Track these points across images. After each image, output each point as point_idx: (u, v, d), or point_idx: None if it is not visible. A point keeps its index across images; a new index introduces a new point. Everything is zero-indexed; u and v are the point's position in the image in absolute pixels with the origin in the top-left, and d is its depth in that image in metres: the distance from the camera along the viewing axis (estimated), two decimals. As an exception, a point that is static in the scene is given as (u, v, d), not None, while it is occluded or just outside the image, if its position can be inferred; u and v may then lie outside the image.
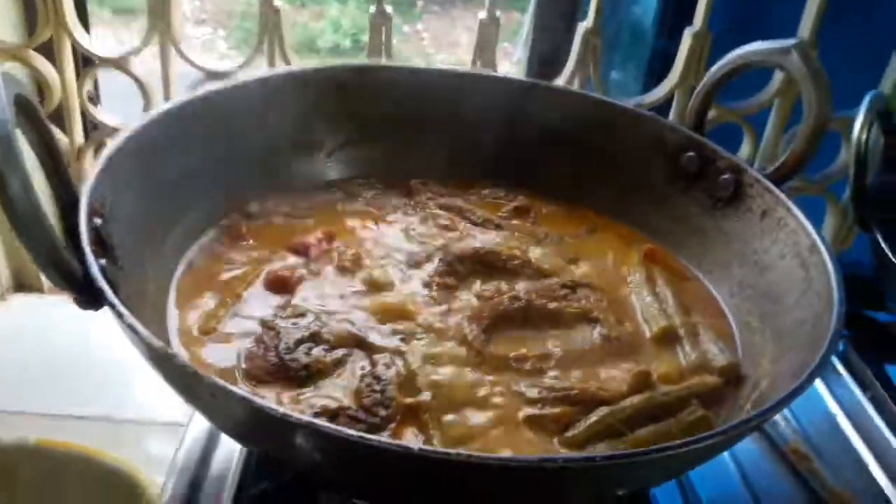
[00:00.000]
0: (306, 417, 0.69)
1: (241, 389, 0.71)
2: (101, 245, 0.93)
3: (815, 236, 1.08)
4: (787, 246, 1.14)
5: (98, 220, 0.94)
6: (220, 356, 0.98)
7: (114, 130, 1.82)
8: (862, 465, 1.27)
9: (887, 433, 1.33)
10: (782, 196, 1.18)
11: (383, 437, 0.67)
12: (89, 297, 0.83)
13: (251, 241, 1.23)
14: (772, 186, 1.20)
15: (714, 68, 1.33)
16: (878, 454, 1.29)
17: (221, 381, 0.71)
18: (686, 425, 0.95)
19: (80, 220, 0.90)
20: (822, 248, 1.05)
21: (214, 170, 1.26)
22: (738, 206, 1.25)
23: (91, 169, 0.99)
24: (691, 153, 1.33)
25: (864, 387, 1.41)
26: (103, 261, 0.88)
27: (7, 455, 1.34)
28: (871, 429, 1.35)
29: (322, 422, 0.68)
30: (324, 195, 1.38)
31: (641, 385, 0.98)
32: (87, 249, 0.85)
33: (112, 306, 0.78)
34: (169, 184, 1.16)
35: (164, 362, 0.74)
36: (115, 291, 0.86)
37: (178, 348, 0.98)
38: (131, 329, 0.76)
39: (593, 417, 0.93)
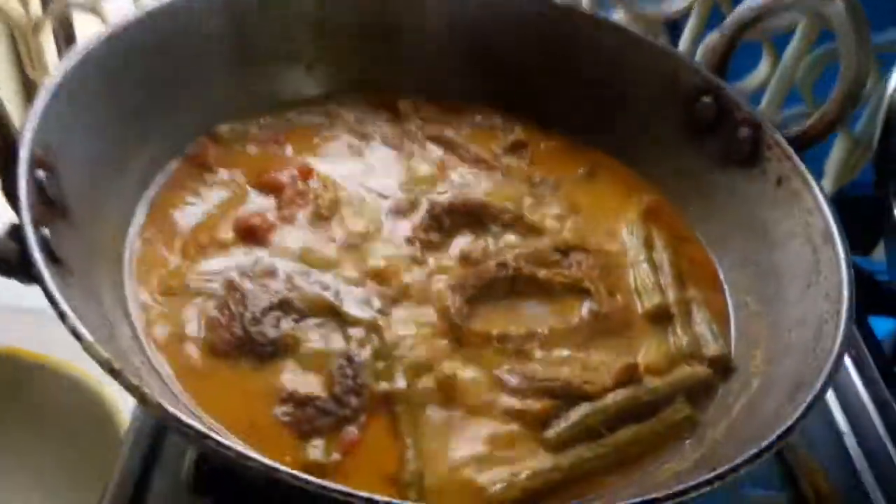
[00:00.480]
0: (281, 469, 0.62)
1: (193, 421, 0.64)
2: (48, 203, 0.83)
3: (831, 223, 0.99)
4: (799, 224, 1.05)
5: (42, 174, 0.83)
6: (181, 325, 0.91)
7: None
8: (838, 432, 1.26)
9: (865, 396, 1.31)
10: (802, 166, 1.07)
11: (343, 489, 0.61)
12: (26, 276, 0.74)
13: (219, 173, 1.13)
14: (792, 153, 1.09)
15: (744, 6, 1.18)
16: (854, 421, 1.28)
17: (172, 411, 0.64)
18: (670, 424, 0.91)
19: (18, 178, 0.79)
20: (838, 240, 0.97)
21: (180, 91, 1.12)
22: (752, 168, 1.15)
23: (34, 104, 0.86)
24: (708, 99, 1.20)
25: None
26: (46, 230, 0.78)
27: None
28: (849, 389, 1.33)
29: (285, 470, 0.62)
30: (303, 117, 1.25)
31: (627, 378, 0.93)
32: (27, 223, 0.75)
33: (54, 303, 0.70)
34: (128, 111, 1.04)
35: (113, 375, 0.67)
36: (60, 261, 0.78)
37: (134, 314, 0.90)
38: (75, 334, 0.68)
39: (574, 416, 0.88)
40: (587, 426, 0.88)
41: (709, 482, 0.70)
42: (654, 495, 0.67)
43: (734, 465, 0.72)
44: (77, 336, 0.67)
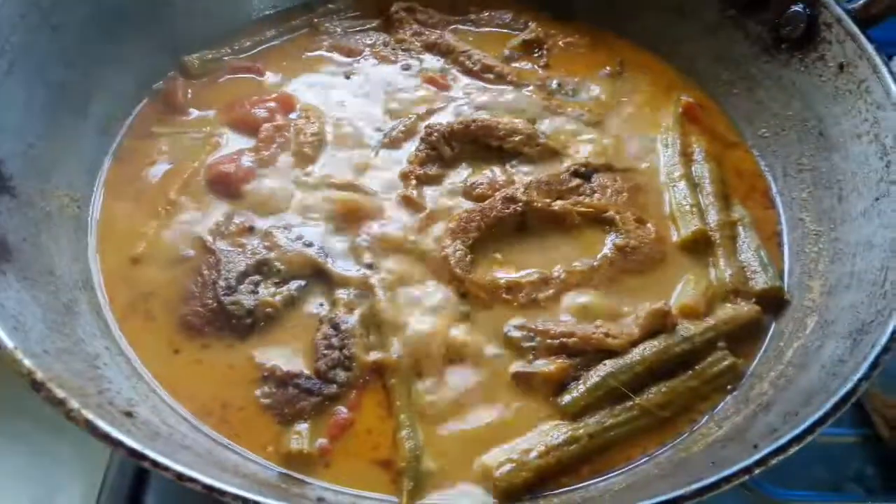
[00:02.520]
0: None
1: (127, 439, 0.55)
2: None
3: (910, 121, 0.81)
4: (865, 121, 0.87)
5: (-37, 144, 0.72)
6: (151, 297, 0.82)
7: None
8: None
9: None
10: (870, 48, 0.88)
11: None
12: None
13: (192, 112, 1.00)
14: (858, 32, 0.89)
15: None
16: None
17: (102, 426, 0.55)
18: (709, 378, 0.79)
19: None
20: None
21: (135, 15, 0.97)
22: (807, 52, 0.95)
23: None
24: (755, -30, 1.01)
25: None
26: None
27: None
28: None
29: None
30: (281, 35, 1.10)
31: (658, 326, 0.80)
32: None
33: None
34: (73, 47, 0.90)
35: (35, 388, 0.58)
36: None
37: (100, 293, 0.81)
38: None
39: (594, 378, 0.77)
40: (610, 388, 0.76)
41: (746, 470, 0.58)
42: (681, 491, 0.56)
43: (780, 444, 0.60)
44: (-7, 343, 0.58)
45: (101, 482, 0.94)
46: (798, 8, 0.96)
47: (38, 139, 0.84)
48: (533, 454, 0.71)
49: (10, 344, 0.59)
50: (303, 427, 0.73)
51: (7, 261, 0.71)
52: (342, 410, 0.75)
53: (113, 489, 0.92)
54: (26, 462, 1.24)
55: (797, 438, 0.59)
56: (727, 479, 0.56)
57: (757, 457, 0.58)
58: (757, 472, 0.57)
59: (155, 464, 0.54)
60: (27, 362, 0.58)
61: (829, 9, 0.92)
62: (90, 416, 0.56)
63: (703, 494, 0.55)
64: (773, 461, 0.58)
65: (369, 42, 1.10)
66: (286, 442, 0.72)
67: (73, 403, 0.56)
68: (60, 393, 0.57)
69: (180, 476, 0.53)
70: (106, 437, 0.55)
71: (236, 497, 0.53)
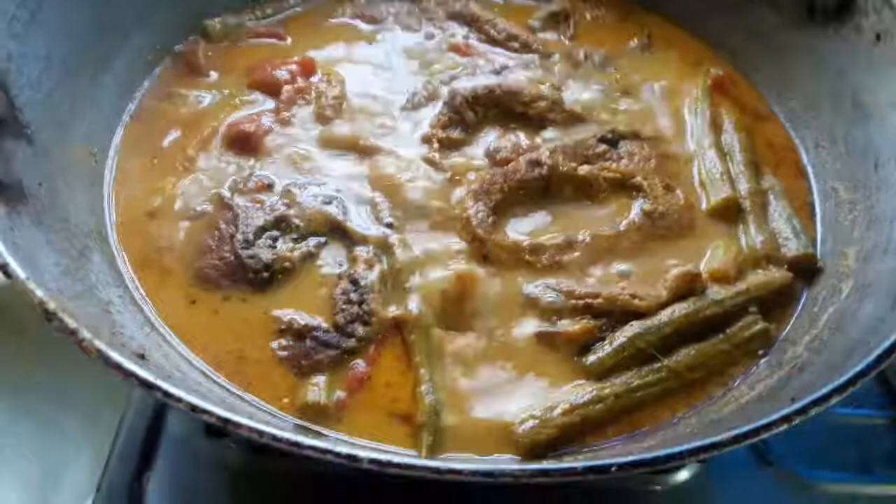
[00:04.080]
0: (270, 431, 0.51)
1: (136, 367, 0.53)
2: (-6, 117, 0.71)
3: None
4: (903, 90, 0.85)
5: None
6: (166, 250, 0.80)
7: None
8: None
9: None
10: (912, 15, 0.86)
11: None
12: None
13: (212, 75, 0.99)
14: (897, -1, 0.87)
15: None
16: None
17: (114, 356, 0.53)
18: (740, 342, 0.76)
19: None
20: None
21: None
22: (842, 21, 0.93)
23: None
24: (788, -63, 0.99)
25: None
26: (-13, 149, 0.67)
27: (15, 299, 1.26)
28: None
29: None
30: (304, 2, 1.09)
31: (687, 289, 0.78)
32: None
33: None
34: (95, 5, 0.89)
35: (47, 317, 0.56)
36: (7, 186, 0.68)
37: (114, 244, 0.79)
38: (3, 271, 0.57)
39: (620, 338, 0.74)
40: (636, 349, 0.73)
41: (786, 418, 0.55)
42: (717, 437, 0.54)
43: (819, 395, 0.57)
44: (6, 273, 0.56)
45: (108, 455, 0.92)
46: (833, -24, 0.94)
47: (57, 90, 0.83)
48: (557, 411, 0.69)
49: (22, 274, 0.57)
50: (320, 379, 0.71)
51: (23, 203, 0.70)
52: (360, 364, 0.72)
53: (121, 459, 0.90)
54: (34, 437, 1.24)
55: (838, 389, 0.56)
56: (766, 427, 0.54)
57: (797, 406, 0.55)
58: (797, 420, 0.54)
59: (167, 394, 0.52)
60: (39, 292, 0.56)
61: (866, -25, 0.90)
62: (102, 346, 0.54)
63: (741, 442, 0.53)
64: (813, 411, 0.55)
65: (392, 10, 1.09)
66: (303, 394, 0.69)
67: (85, 333, 0.54)
68: (72, 323, 0.55)
69: (193, 407, 0.51)
70: (118, 367, 0.53)
71: (252, 430, 0.50)
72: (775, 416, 0.54)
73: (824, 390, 0.56)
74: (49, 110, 0.80)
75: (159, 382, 0.52)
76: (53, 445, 1.22)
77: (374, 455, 0.50)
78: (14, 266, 0.57)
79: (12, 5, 0.78)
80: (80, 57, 0.87)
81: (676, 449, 0.51)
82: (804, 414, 0.55)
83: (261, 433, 0.51)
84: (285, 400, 0.70)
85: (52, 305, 0.55)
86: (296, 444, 0.50)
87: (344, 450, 0.50)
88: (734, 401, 0.71)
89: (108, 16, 0.91)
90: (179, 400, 0.51)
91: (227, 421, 0.51)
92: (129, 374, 0.53)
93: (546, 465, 0.64)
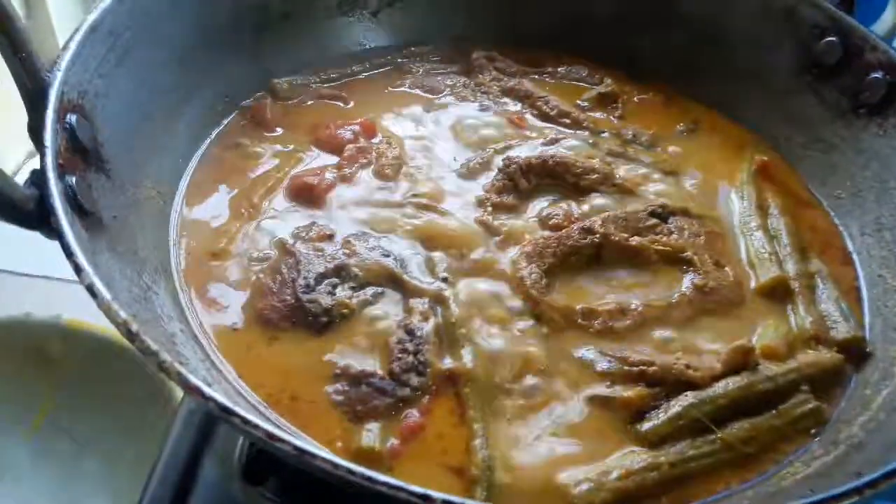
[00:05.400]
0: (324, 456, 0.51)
1: (216, 393, 0.54)
2: (78, 150, 0.75)
3: None
4: (950, 184, 0.87)
5: (73, 118, 0.75)
6: (228, 290, 0.82)
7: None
8: None
9: None
10: (956, 113, 0.89)
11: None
12: (46, 227, 0.65)
13: (277, 130, 1.03)
14: (942, 98, 0.91)
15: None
16: None
17: (191, 379, 0.54)
18: (793, 419, 0.76)
19: (45, 120, 0.71)
20: None
21: (234, 36, 1.03)
22: (886, 117, 0.97)
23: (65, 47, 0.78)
24: (832, 38, 1.03)
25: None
26: (74, 178, 0.70)
27: (37, 331, 1.28)
28: None
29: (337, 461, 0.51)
30: (367, 70, 1.14)
31: (740, 363, 0.78)
32: (49, 164, 0.67)
33: (70, 255, 0.61)
34: (177, 55, 0.95)
35: (130, 338, 0.57)
36: (89, 214, 0.70)
37: (178, 281, 0.81)
38: (90, 291, 0.59)
39: (675, 407, 0.74)
40: (691, 419, 0.73)
41: (857, 490, 0.55)
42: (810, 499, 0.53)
43: (889, 469, 0.56)
44: (92, 293, 0.58)
45: (139, 499, 0.91)
46: (878, 75, 0.98)
47: (134, 132, 0.86)
48: (612, 476, 0.68)
49: (107, 295, 0.58)
50: (374, 426, 0.71)
51: (100, 232, 0.72)
52: (414, 414, 0.73)
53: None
54: (54, 478, 1.22)
55: (909, 464, 0.56)
56: (837, 498, 0.53)
57: (868, 478, 0.55)
58: (868, 493, 0.54)
59: (245, 421, 0.52)
60: (123, 313, 0.58)
61: (912, 76, 0.94)
62: (182, 370, 0.55)
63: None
64: (884, 485, 0.54)
65: (450, 83, 1.14)
66: (357, 438, 0.69)
67: (166, 356, 0.55)
68: (154, 345, 0.56)
69: (270, 435, 0.52)
70: (196, 391, 0.54)
71: (326, 461, 0.51)
72: (847, 487, 0.54)
73: (892, 466, 0.56)
74: (126, 149, 0.84)
75: (237, 409, 0.53)
76: (74, 487, 1.21)
77: (447, 497, 0.50)
78: (99, 286, 0.59)
79: (104, 48, 0.83)
80: (156, 102, 0.92)
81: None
82: (874, 487, 0.54)
83: (336, 465, 0.51)
84: (339, 444, 0.70)
85: (134, 327, 0.56)
86: (369, 479, 0.50)
87: (418, 489, 0.50)
88: (790, 476, 0.70)
89: (185, 68, 0.97)
90: (256, 427, 0.52)
91: (302, 451, 0.51)
92: (208, 399, 0.53)
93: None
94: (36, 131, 0.71)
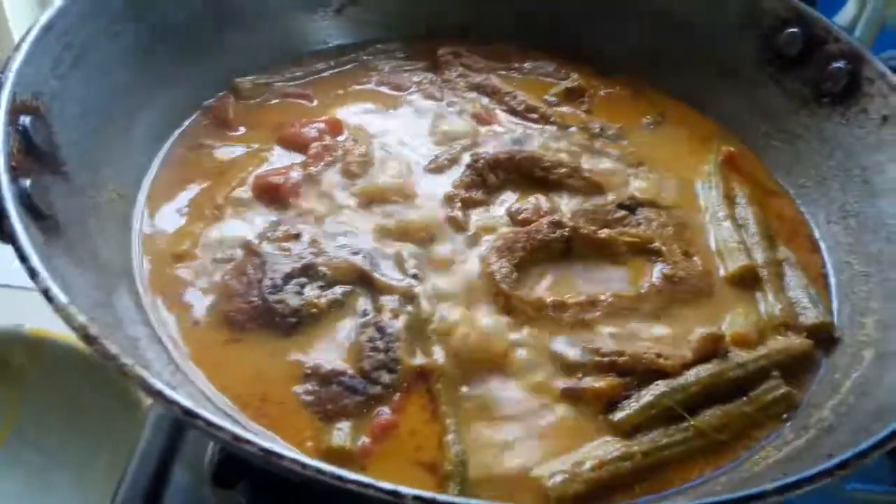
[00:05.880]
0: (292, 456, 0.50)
1: (177, 395, 0.53)
2: (33, 152, 0.73)
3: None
4: (911, 168, 0.88)
5: (26, 119, 0.73)
6: (193, 293, 0.80)
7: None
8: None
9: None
10: (915, 100, 0.90)
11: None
12: None
13: (241, 130, 1.02)
14: (902, 85, 0.92)
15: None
16: None
17: (154, 383, 0.53)
18: (764, 405, 0.76)
19: (-5, 121, 0.69)
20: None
21: (193, 34, 1.01)
22: (848, 106, 0.98)
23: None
24: (794, 30, 1.04)
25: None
26: (28, 181, 0.68)
27: (1, 343, 1.25)
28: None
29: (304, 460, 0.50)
30: (332, 68, 1.13)
31: (711, 350, 0.78)
32: (0, 166, 0.65)
33: (24, 259, 0.59)
34: (135, 55, 0.93)
35: (87, 342, 0.55)
36: (46, 217, 0.68)
37: (141, 284, 0.79)
38: (46, 295, 0.57)
39: (647, 396, 0.74)
40: (663, 407, 0.73)
41: (828, 472, 0.55)
42: (756, 489, 0.53)
43: (860, 450, 0.57)
44: (48, 297, 0.56)
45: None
46: (839, 64, 0.99)
47: (92, 133, 0.84)
48: (586, 466, 0.68)
49: (63, 298, 0.57)
50: (345, 425, 0.70)
51: (58, 236, 0.70)
52: (385, 412, 0.72)
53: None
54: (23, 489, 1.19)
55: (879, 444, 0.56)
56: (810, 480, 0.53)
57: (837, 460, 0.55)
58: (840, 474, 0.54)
59: (208, 423, 0.51)
60: (81, 317, 0.56)
61: (871, 64, 0.95)
62: (143, 372, 0.53)
63: (784, 493, 0.52)
64: (854, 466, 0.55)
65: (416, 80, 1.13)
66: (328, 438, 0.68)
67: (126, 359, 0.54)
68: (113, 349, 0.54)
69: (236, 437, 0.50)
70: (159, 394, 0.52)
71: (294, 462, 0.49)
72: (819, 469, 0.54)
73: (864, 445, 0.56)
74: (84, 152, 0.82)
75: (200, 411, 0.52)
76: (43, 499, 1.18)
77: (417, 492, 0.49)
78: (55, 290, 0.57)
79: (58, 48, 0.81)
80: (115, 103, 0.89)
81: (732, 496, 0.50)
82: (845, 468, 0.54)
83: (304, 465, 0.49)
84: (309, 444, 0.68)
85: (93, 330, 0.55)
86: (339, 477, 0.49)
87: (387, 486, 0.49)
88: (762, 461, 0.70)
89: (144, 68, 0.95)
90: (221, 429, 0.51)
91: (268, 452, 0.50)
92: (171, 402, 0.52)
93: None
94: (-12, 134, 0.69)
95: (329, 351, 0.76)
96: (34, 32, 0.76)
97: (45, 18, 0.78)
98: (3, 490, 1.19)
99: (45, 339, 1.23)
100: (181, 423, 0.90)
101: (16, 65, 0.73)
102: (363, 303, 0.81)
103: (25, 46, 0.75)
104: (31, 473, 1.20)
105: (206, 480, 0.84)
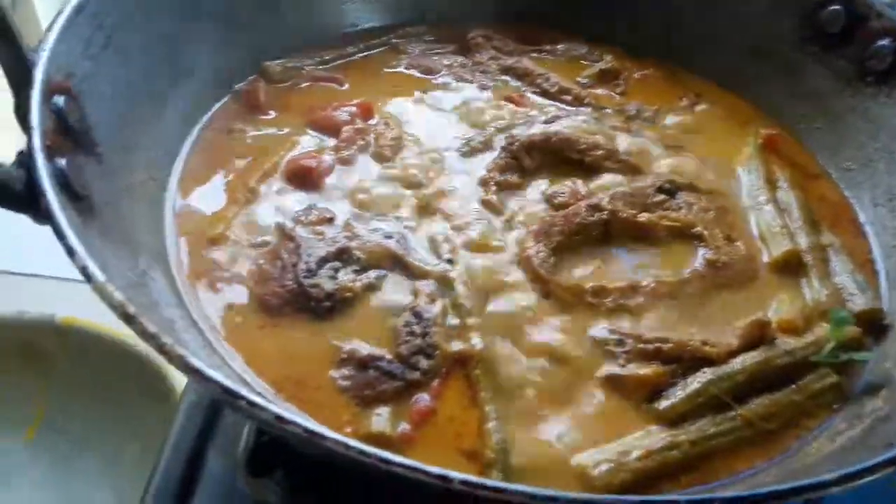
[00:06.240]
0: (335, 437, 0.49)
1: (218, 375, 0.51)
2: (67, 133, 0.72)
3: None
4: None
5: (60, 99, 0.72)
6: (228, 276, 0.79)
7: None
8: None
9: None
10: (968, 78, 0.87)
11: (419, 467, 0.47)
12: (35, 211, 0.62)
13: (271, 113, 1.00)
14: (954, 63, 0.89)
15: None
16: None
17: (193, 361, 0.52)
18: (814, 394, 0.74)
19: (31, 101, 0.68)
20: None
21: (225, 17, 0.99)
22: (893, 85, 0.95)
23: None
24: (836, 6, 1.01)
25: None
26: (63, 161, 0.67)
27: (31, 330, 1.25)
28: None
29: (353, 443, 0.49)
30: (361, 51, 1.11)
31: (758, 337, 0.76)
32: (37, 145, 0.64)
33: (62, 237, 0.58)
34: (166, 37, 0.91)
35: (126, 320, 0.54)
36: (81, 197, 0.67)
37: (175, 267, 0.78)
38: (84, 273, 0.56)
39: (694, 384, 0.72)
40: (710, 396, 0.71)
41: (891, 461, 0.53)
42: (815, 479, 0.51)
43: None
44: (86, 275, 0.55)
45: (142, 494, 0.88)
46: (884, 42, 0.96)
47: (124, 115, 0.83)
48: (633, 456, 0.66)
49: (101, 277, 0.56)
50: (384, 410, 0.68)
51: (92, 217, 0.69)
52: (424, 398, 0.70)
53: (155, 498, 0.87)
54: (52, 476, 1.20)
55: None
56: (871, 470, 0.51)
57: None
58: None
59: (251, 403, 0.50)
60: (118, 295, 0.55)
61: (918, 41, 0.92)
62: (183, 351, 0.52)
63: (847, 483, 0.50)
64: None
65: (447, 63, 1.11)
66: (367, 423, 0.67)
67: (166, 338, 0.53)
68: (152, 327, 0.53)
69: (279, 418, 0.49)
70: (197, 373, 0.51)
71: (338, 443, 0.48)
72: (881, 458, 0.52)
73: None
74: (116, 133, 0.81)
75: (241, 391, 0.50)
76: (73, 487, 1.18)
77: (465, 477, 0.48)
78: (93, 268, 0.56)
79: (90, 29, 0.79)
80: (146, 85, 0.88)
81: (789, 485, 0.48)
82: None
83: (347, 446, 0.48)
84: (348, 429, 0.67)
85: (132, 309, 0.54)
86: (385, 460, 0.48)
87: (435, 469, 0.48)
88: (816, 452, 0.68)
89: (175, 50, 0.93)
90: (263, 409, 0.49)
91: (312, 433, 0.48)
92: (210, 380, 0.51)
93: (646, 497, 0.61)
94: (22, 113, 0.68)
95: (364, 335, 0.74)
96: (66, 12, 0.75)
97: (77, -2, 0.77)
98: (32, 478, 1.20)
99: (75, 327, 1.23)
100: (215, 410, 0.90)
101: (49, 44, 0.72)
102: (399, 287, 0.79)
103: (58, 27, 0.74)
104: (60, 462, 1.21)
105: (240, 468, 0.82)
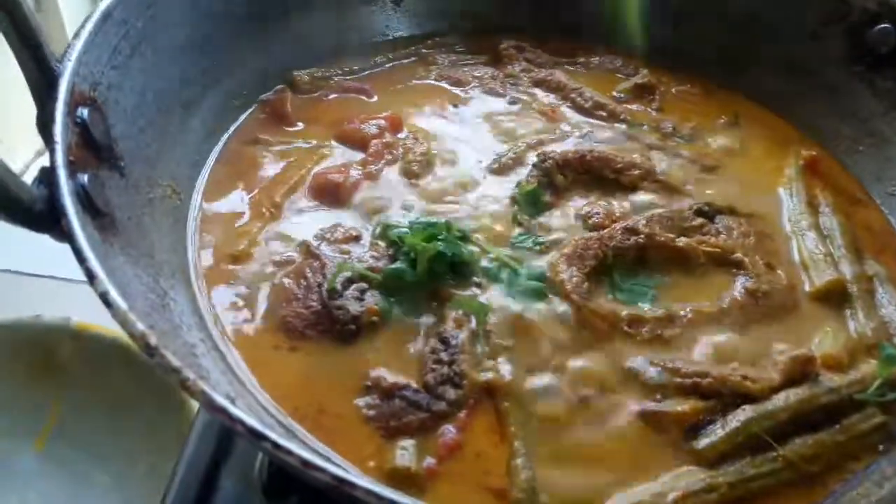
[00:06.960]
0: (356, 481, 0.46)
1: (242, 414, 0.49)
2: (91, 146, 0.70)
3: None
4: None
5: (84, 111, 0.70)
6: (250, 296, 0.77)
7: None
8: None
9: None
10: None
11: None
12: (56, 232, 0.60)
13: (299, 125, 0.98)
14: None
15: None
16: None
17: (217, 399, 0.49)
18: (858, 434, 0.70)
19: (55, 113, 0.66)
20: None
21: (251, 26, 0.98)
22: (945, 109, 0.92)
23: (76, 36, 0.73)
24: (886, 25, 0.97)
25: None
26: (86, 176, 0.65)
27: (47, 334, 1.23)
28: None
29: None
30: (390, 62, 1.09)
31: (800, 373, 0.72)
32: (59, 161, 0.62)
33: (82, 261, 0.56)
34: (191, 46, 0.90)
35: (148, 353, 0.52)
36: (103, 214, 0.65)
37: (197, 286, 0.76)
38: (104, 300, 0.54)
39: (734, 422, 0.68)
40: (750, 435, 0.68)
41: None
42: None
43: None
44: (107, 303, 0.53)
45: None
46: (936, 64, 0.92)
47: (149, 127, 0.81)
48: (669, 498, 0.63)
49: (123, 305, 0.53)
50: (409, 443, 0.66)
51: (114, 234, 0.67)
52: (451, 430, 0.67)
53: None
54: (63, 487, 1.18)
55: None
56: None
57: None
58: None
59: (276, 446, 0.47)
60: (140, 325, 0.53)
61: (975, 64, 0.88)
62: (206, 387, 0.50)
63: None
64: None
65: (477, 75, 1.09)
66: (391, 458, 0.64)
67: (189, 373, 0.50)
68: (175, 361, 0.51)
69: (305, 463, 0.47)
70: (222, 412, 0.49)
71: (370, 493, 0.45)
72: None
73: None
74: (140, 146, 0.79)
75: (267, 432, 0.48)
76: (84, 496, 1.16)
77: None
78: (114, 295, 0.54)
79: (116, 38, 0.78)
80: (171, 96, 0.87)
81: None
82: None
83: (380, 497, 0.45)
84: (371, 463, 0.64)
85: (153, 340, 0.52)
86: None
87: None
88: (862, 498, 0.64)
89: (201, 59, 0.92)
90: (290, 453, 0.47)
91: (342, 481, 0.46)
92: (236, 420, 0.48)
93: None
94: (45, 126, 0.66)
95: (390, 362, 0.72)
96: (93, 21, 0.73)
97: (104, 5, 0.75)
98: (43, 487, 1.18)
99: (90, 333, 1.21)
100: (230, 431, 0.88)
101: (75, 53, 0.70)
102: (426, 311, 0.76)
103: (84, 34, 0.72)
104: (70, 474, 1.19)
105: (255, 491, 0.80)
